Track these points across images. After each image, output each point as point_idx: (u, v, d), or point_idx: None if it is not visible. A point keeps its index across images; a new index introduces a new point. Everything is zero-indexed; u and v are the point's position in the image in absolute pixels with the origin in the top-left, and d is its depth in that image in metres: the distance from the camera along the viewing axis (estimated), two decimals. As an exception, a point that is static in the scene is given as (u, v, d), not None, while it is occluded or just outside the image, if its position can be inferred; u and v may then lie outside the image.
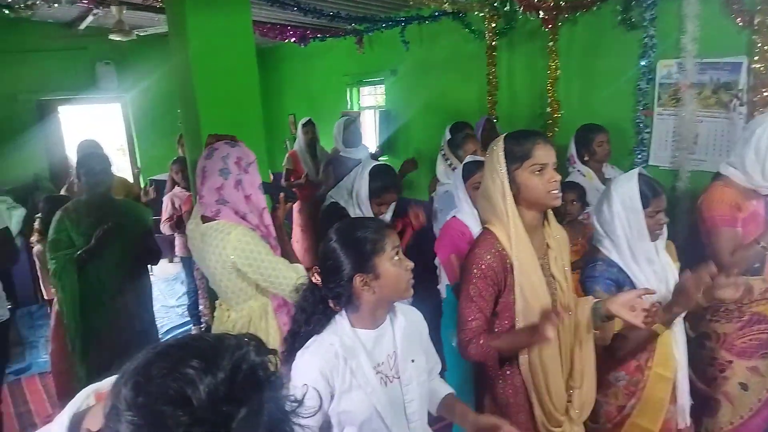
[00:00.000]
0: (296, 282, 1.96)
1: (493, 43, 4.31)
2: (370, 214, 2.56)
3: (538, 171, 1.63)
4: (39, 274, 3.41)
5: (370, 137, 6.13)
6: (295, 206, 4.97)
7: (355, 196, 2.60)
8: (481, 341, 1.65)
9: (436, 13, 4.48)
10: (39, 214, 3.32)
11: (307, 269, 2.35)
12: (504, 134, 1.74)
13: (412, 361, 1.45)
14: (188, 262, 4.51)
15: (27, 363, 4.32)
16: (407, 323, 1.49)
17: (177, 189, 4.45)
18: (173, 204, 4.37)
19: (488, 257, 1.65)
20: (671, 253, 2.06)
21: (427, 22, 4.61)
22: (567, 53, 3.91)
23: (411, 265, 1.44)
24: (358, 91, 6.38)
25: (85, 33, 5.57)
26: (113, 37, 4.22)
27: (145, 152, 6.90)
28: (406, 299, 1.48)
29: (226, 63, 2.74)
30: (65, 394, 3.27)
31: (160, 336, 3.70)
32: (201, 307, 4.64)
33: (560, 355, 1.71)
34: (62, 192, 4.09)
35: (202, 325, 4.62)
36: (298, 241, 4.89)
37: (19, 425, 3.47)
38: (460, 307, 1.72)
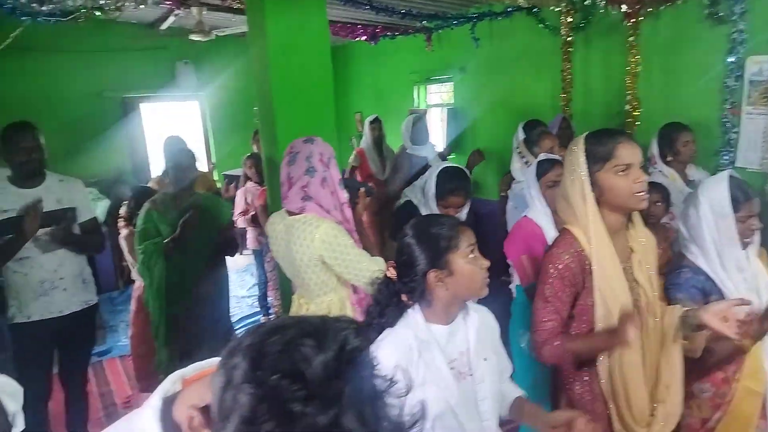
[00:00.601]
0: (372, 264, 2.03)
1: (569, 38, 4.20)
2: (436, 209, 2.56)
3: (622, 172, 1.57)
4: (124, 259, 3.60)
5: (437, 135, 6.11)
6: (361, 203, 5.02)
7: (426, 196, 2.60)
8: (557, 343, 1.61)
9: (509, 9, 4.41)
10: (125, 203, 3.51)
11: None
12: (585, 134, 1.68)
13: (485, 359, 1.45)
14: (259, 255, 4.65)
15: (108, 346, 4.57)
16: (480, 322, 1.48)
17: (249, 184, 4.59)
18: (246, 198, 4.52)
19: (566, 257, 1.61)
20: (764, 262, 1.94)
21: (499, 18, 4.54)
22: (648, 49, 3.76)
23: (486, 263, 1.43)
24: (426, 88, 6.36)
25: (166, 33, 5.84)
26: (193, 37, 4.40)
27: (220, 148, 7.16)
28: (481, 297, 1.47)
29: (302, 61, 2.81)
30: (143, 376, 3.46)
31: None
32: (270, 299, 4.79)
33: (644, 366, 1.64)
34: (149, 184, 4.29)
35: (270, 316, 4.75)
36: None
37: (101, 404, 3.69)
38: (534, 308, 1.68)
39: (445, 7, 4.81)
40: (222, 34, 4.67)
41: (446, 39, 5.50)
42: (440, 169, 2.60)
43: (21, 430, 1.25)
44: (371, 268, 2.01)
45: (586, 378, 1.68)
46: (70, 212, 2.60)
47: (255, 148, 5.24)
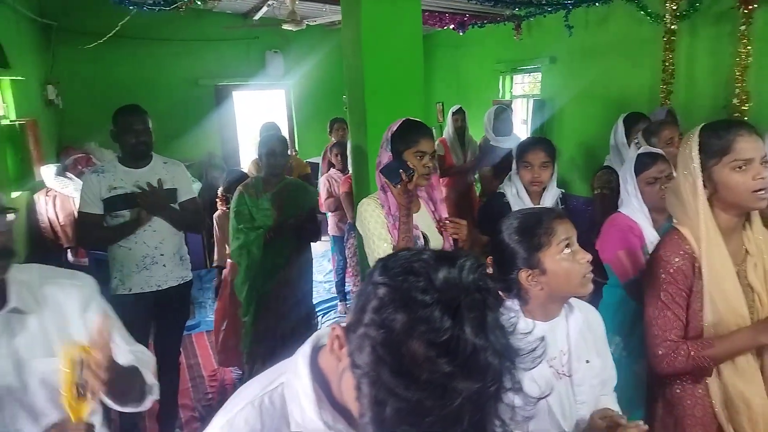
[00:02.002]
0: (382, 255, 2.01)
1: (672, 26, 3.95)
2: (526, 196, 2.49)
3: (741, 167, 1.45)
4: (215, 239, 3.76)
5: (521, 127, 5.96)
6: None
7: (512, 176, 2.55)
8: (692, 353, 1.49)
9: (609, -5, 4.20)
10: (221, 186, 3.68)
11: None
12: (700, 125, 1.57)
13: (587, 361, 1.38)
14: (339, 241, 4.73)
15: (197, 321, 4.82)
16: (584, 321, 1.41)
17: (332, 171, 4.67)
18: (329, 184, 4.60)
19: (677, 260, 1.51)
20: None
21: (597, 4, 4.34)
22: (762, 38, 3.47)
23: (587, 257, 1.33)
24: (512, 79, 6.21)
25: (259, 23, 6.03)
26: (286, 26, 4.51)
27: (302, 135, 7.35)
28: (582, 295, 1.39)
29: (394, 50, 2.81)
30: (223, 350, 3.64)
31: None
32: (349, 286, 4.87)
33: (763, 375, 1.51)
34: (244, 168, 4.46)
35: (348, 302, 4.83)
36: (442, 228, 4.91)
37: (188, 375, 3.89)
38: (651, 317, 1.58)
39: (538, -6, 4.67)
40: (313, 23, 4.76)
41: (536, 27, 5.34)
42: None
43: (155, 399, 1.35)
44: (377, 251, 2.04)
45: (700, 391, 1.57)
46: (173, 193, 2.76)
47: (331, 138, 5.34)
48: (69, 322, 1.25)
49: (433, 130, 6.93)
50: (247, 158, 6.74)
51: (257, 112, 7.40)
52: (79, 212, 2.68)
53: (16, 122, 3.95)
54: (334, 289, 5.11)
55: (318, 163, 5.21)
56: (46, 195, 4.06)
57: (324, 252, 6.36)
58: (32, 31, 5.20)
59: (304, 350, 0.82)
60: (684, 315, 1.54)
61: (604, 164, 3.44)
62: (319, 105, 6.96)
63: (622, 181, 2.46)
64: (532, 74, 5.85)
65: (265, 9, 5.38)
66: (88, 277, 1.36)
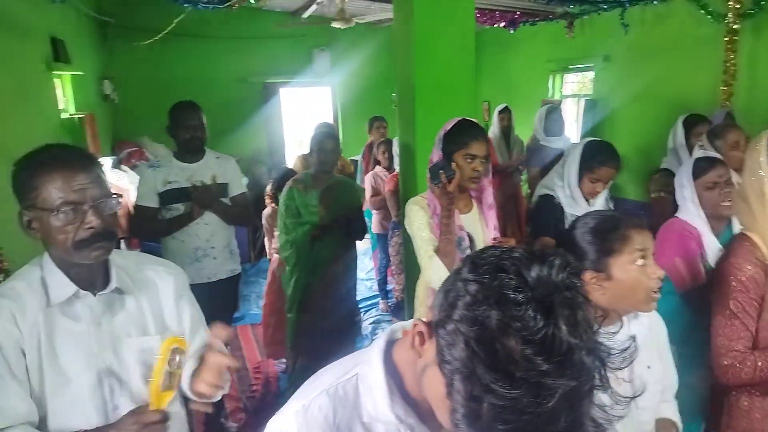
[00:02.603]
0: (424, 258, 2.02)
1: (735, 26, 3.78)
2: (580, 197, 2.40)
3: None
4: (265, 233, 3.82)
5: (571, 127, 5.83)
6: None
7: (566, 177, 2.46)
8: (759, 364, 1.44)
9: (667, -7, 4.06)
10: (270, 182, 3.73)
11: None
12: None
13: (648, 367, 1.33)
14: (383, 239, 4.73)
15: (241, 313, 4.90)
16: (647, 326, 1.36)
17: (378, 169, 4.67)
18: (374, 182, 4.61)
19: (748, 267, 1.45)
20: None
21: (654, 2, 4.20)
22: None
23: (659, 273, 1.27)
24: (562, 78, 6.08)
25: (307, 21, 6.08)
26: (335, 24, 4.54)
27: (346, 133, 7.39)
28: (645, 311, 1.33)
29: (446, 48, 2.78)
30: (270, 343, 3.70)
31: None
32: (391, 285, 4.86)
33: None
34: (290, 165, 4.51)
35: (390, 300, 4.83)
36: (487, 228, 4.85)
37: (234, 366, 3.97)
38: (717, 326, 1.53)
39: (594, -9, 4.55)
40: (362, 21, 4.77)
41: (589, 25, 5.21)
42: (585, 142, 2.45)
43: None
44: (420, 252, 2.03)
45: (758, 395, 1.51)
46: (224, 187, 2.81)
47: (370, 137, 5.35)
48: (163, 307, 1.33)
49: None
50: (292, 155, 6.83)
51: (302, 110, 7.48)
52: (135, 205, 2.76)
53: (75, 116, 4.10)
54: (375, 287, 5.12)
55: (356, 160, 5.23)
56: (102, 187, 4.20)
57: (365, 250, 6.38)
58: (90, 27, 5.39)
59: (379, 343, 0.83)
60: (753, 325, 1.48)
61: (661, 167, 3.33)
62: (364, 102, 6.98)
63: (678, 186, 2.36)
64: (583, 73, 5.71)
65: (314, 7, 5.42)
66: (179, 267, 1.43)
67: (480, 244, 2.12)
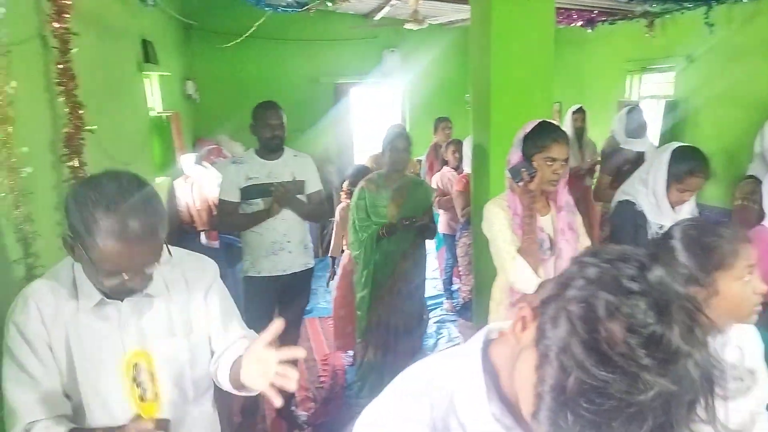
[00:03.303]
0: (507, 260, 1.98)
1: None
2: (666, 205, 2.30)
3: None
4: (335, 227, 3.91)
5: (650, 129, 5.61)
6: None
7: (651, 184, 2.37)
8: None
9: (759, -10, 3.84)
10: (345, 180, 3.83)
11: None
12: None
13: (741, 380, 1.28)
14: (450, 239, 4.73)
15: (309, 307, 5.03)
16: (740, 338, 1.31)
17: (446, 169, 4.68)
18: (442, 182, 4.62)
19: None
20: None
21: (743, 1, 3.99)
22: None
23: (762, 289, 1.22)
24: (640, 79, 5.86)
25: (379, 23, 6.16)
26: (408, 26, 4.58)
27: (414, 133, 7.39)
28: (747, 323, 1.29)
29: (523, 49, 2.76)
30: (340, 336, 3.79)
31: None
32: (456, 285, 4.86)
33: None
34: (365, 163, 4.60)
35: (455, 300, 4.83)
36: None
37: (302, 358, 4.08)
38: None
39: (679, -11, 4.37)
40: (435, 22, 4.79)
41: (671, 24, 5.00)
42: (673, 148, 2.35)
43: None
44: (501, 253, 2.01)
45: None
46: (301, 184, 2.91)
47: (435, 138, 5.34)
48: (190, 304, 1.33)
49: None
50: (361, 154, 6.92)
51: (372, 109, 7.57)
52: (219, 199, 2.91)
53: (163, 114, 4.35)
54: (440, 286, 5.13)
55: (420, 160, 5.24)
56: (185, 181, 4.43)
57: (430, 249, 6.38)
58: (175, 30, 5.69)
59: (477, 340, 0.82)
60: None
61: (748, 173, 3.16)
62: (432, 103, 6.98)
63: (766, 193, 2.23)
64: (663, 74, 5.48)
65: (387, 9, 5.49)
66: (211, 261, 1.42)
67: (558, 246, 2.11)
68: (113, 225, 1.04)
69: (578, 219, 2.19)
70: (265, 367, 1.12)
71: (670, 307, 0.59)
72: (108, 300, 1.22)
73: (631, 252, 0.64)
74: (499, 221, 2.07)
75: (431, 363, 0.86)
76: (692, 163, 2.24)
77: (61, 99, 2.18)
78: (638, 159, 3.72)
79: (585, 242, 2.18)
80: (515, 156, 2.07)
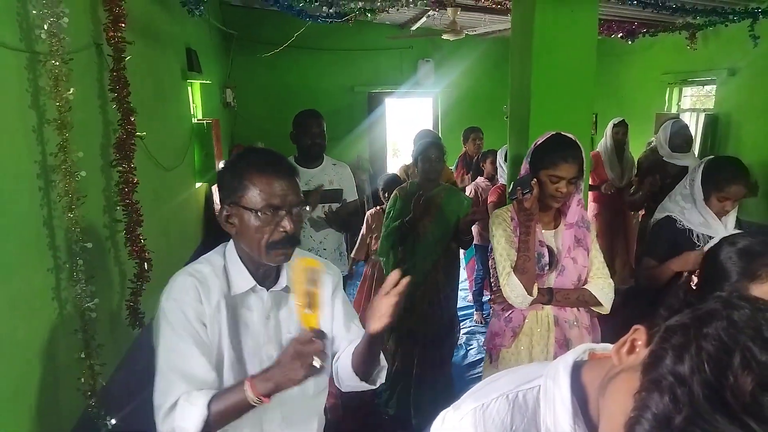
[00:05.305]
0: (502, 275, 1.96)
1: None
2: (711, 216, 2.25)
3: None
4: (363, 233, 3.90)
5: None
6: (591, 210, 4.76)
7: (692, 196, 2.32)
8: None
9: (806, 2, 3.75)
10: (380, 188, 3.85)
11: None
12: None
13: None
14: (482, 250, 4.70)
15: (340, 314, 5.07)
16: None
17: (480, 179, 4.66)
18: (476, 192, 4.60)
19: None
20: None
21: (791, 13, 3.90)
22: None
23: None
24: (680, 91, 5.76)
25: (415, 34, 6.21)
26: (446, 36, 4.60)
27: (448, 142, 7.39)
28: None
29: (566, 58, 2.74)
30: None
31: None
32: (487, 296, 4.82)
33: None
34: (397, 172, 4.60)
35: (485, 312, 4.79)
36: (590, 247, 4.67)
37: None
38: None
39: (723, 2, 4.27)
40: (473, 33, 4.80)
41: (713, 37, 4.92)
42: (709, 159, 2.31)
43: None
44: (498, 267, 1.99)
45: None
46: (339, 193, 2.94)
47: (465, 148, 5.32)
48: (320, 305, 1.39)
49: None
50: (393, 163, 6.97)
51: (406, 119, 7.61)
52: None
53: (203, 121, 4.45)
54: (470, 297, 5.09)
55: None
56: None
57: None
58: (217, 39, 5.83)
59: (566, 360, 0.81)
60: None
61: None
62: (465, 112, 6.99)
63: None
64: (704, 87, 5.38)
65: (424, 19, 5.52)
66: (336, 268, 1.52)
67: (565, 263, 2.03)
68: (263, 162, 1.24)
69: (591, 235, 2.10)
70: (381, 310, 1.22)
71: None
72: (257, 288, 1.30)
73: None
74: (499, 233, 2.04)
75: (515, 374, 0.85)
76: (730, 171, 2.21)
77: (114, 105, 2.25)
78: (681, 173, 3.64)
79: (597, 258, 2.09)
80: (524, 167, 2.02)
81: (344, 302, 1.47)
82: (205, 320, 1.25)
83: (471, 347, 4.34)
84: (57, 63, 1.69)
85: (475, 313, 4.90)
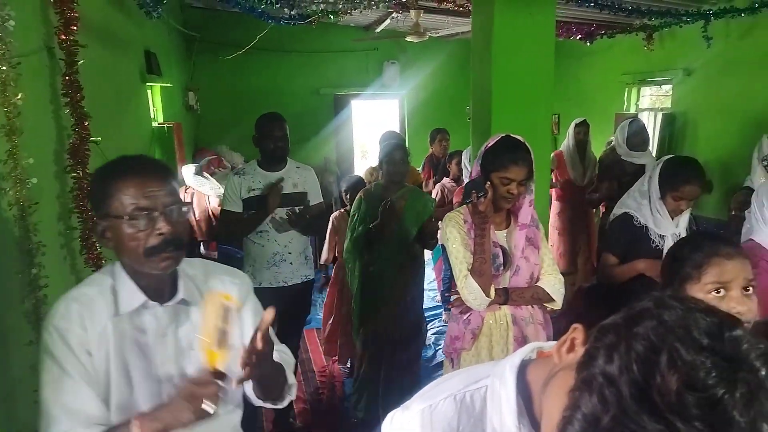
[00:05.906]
0: (459, 278, 1.99)
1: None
2: (666, 215, 2.31)
3: None
4: (327, 237, 3.86)
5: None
6: (554, 209, 4.85)
7: (648, 194, 2.38)
8: None
9: (755, 5, 3.89)
10: (344, 190, 3.83)
11: (563, 274, 2.25)
12: None
13: None
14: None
15: (308, 317, 5.03)
16: None
17: (446, 180, 4.69)
18: (442, 193, 4.63)
19: None
20: None
21: (742, 15, 4.03)
22: None
23: (739, 309, 1.19)
24: (638, 91, 5.92)
25: (380, 36, 6.22)
26: (409, 38, 4.63)
27: (414, 143, 7.45)
28: None
29: (525, 61, 2.79)
30: (326, 341, 3.86)
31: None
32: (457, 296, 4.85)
33: None
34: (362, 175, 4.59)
35: (454, 312, 4.82)
36: (553, 244, 4.75)
37: (300, 369, 4.06)
38: None
39: (677, 4, 4.41)
40: (437, 35, 4.83)
41: (669, 38, 5.06)
42: (668, 159, 2.37)
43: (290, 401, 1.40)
44: (455, 271, 2.00)
45: None
46: (304, 196, 2.92)
47: (431, 149, 5.36)
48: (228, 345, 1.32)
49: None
50: (361, 165, 6.96)
51: (372, 120, 7.62)
52: (222, 210, 2.92)
53: (165, 125, 4.37)
54: (438, 298, 5.12)
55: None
56: (185, 192, 4.44)
57: (428, 260, 6.36)
58: (178, 42, 5.73)
59: (513, 360, 0.80)
60: None
61: (744, 185, 3.20)
62: (431, 114, 7.04)
63: (758, 205, 2.22)
64: (662, 87, 5.54)
65: (388, 21, 5.54)
66: (245, 275, 1.42)
67: (519, 262, 2.06)
68: (123, 168, 1.18)
69: (540, 233, 2.13)
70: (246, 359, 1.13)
71: (738, 373, 0.55)
72: (149, 304, 1.21)
73: (717, 311, 0.61)
74: (453, 236, 2.03)
75: (464, 374, 0.85)
76: (686, 171, 2.26)
77: (67, 110, 2.19)
78: (639, 171, 3.74)
79: (547, 256, 2.12)
80: (474, 170, 2.03)
81: (255, 313, 1.36)
82: (90, 348, 1.16)
83: (439, 347, 4.36)
84: (4, 67, 1.64)
85: (443, 312, 4.92)
